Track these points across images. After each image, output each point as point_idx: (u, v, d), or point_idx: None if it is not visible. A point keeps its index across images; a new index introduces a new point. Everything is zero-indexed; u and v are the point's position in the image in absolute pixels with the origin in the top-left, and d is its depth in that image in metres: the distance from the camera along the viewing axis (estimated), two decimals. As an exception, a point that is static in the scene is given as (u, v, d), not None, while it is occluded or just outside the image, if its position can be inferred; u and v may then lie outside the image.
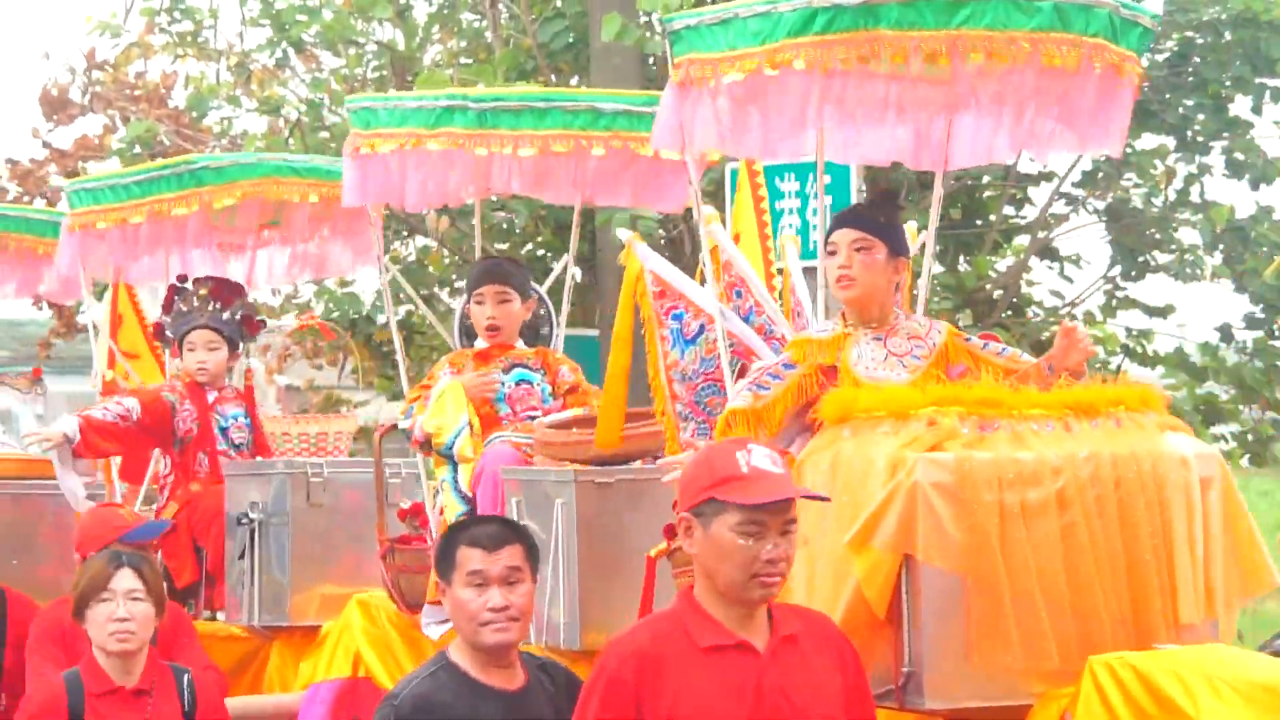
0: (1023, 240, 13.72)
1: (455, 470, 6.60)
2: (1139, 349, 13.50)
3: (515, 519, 5.78)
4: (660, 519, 5.61)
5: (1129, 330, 13.65)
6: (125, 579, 5.61)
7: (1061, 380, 5.05)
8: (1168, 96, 12.66)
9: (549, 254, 13.24)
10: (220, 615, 7.74)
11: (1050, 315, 13.38)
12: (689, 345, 5.87)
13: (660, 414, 5.89)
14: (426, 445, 6.68)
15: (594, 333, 12.07)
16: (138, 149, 14.31)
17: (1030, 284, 13.81)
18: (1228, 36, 12.45)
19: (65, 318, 15.33)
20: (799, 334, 5.72)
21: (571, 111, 6.60)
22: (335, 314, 13.18)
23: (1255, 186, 13.07)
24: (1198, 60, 12.61)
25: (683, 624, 4.05)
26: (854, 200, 10.10)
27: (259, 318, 8.39)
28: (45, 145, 16.29)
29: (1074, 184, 13.33)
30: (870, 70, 5.32)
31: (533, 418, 6.69)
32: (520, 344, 7.01)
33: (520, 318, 6.96)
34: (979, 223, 13.33)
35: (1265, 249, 12.86)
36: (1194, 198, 13.12)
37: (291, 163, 8.08)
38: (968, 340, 5.49)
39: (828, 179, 9.81)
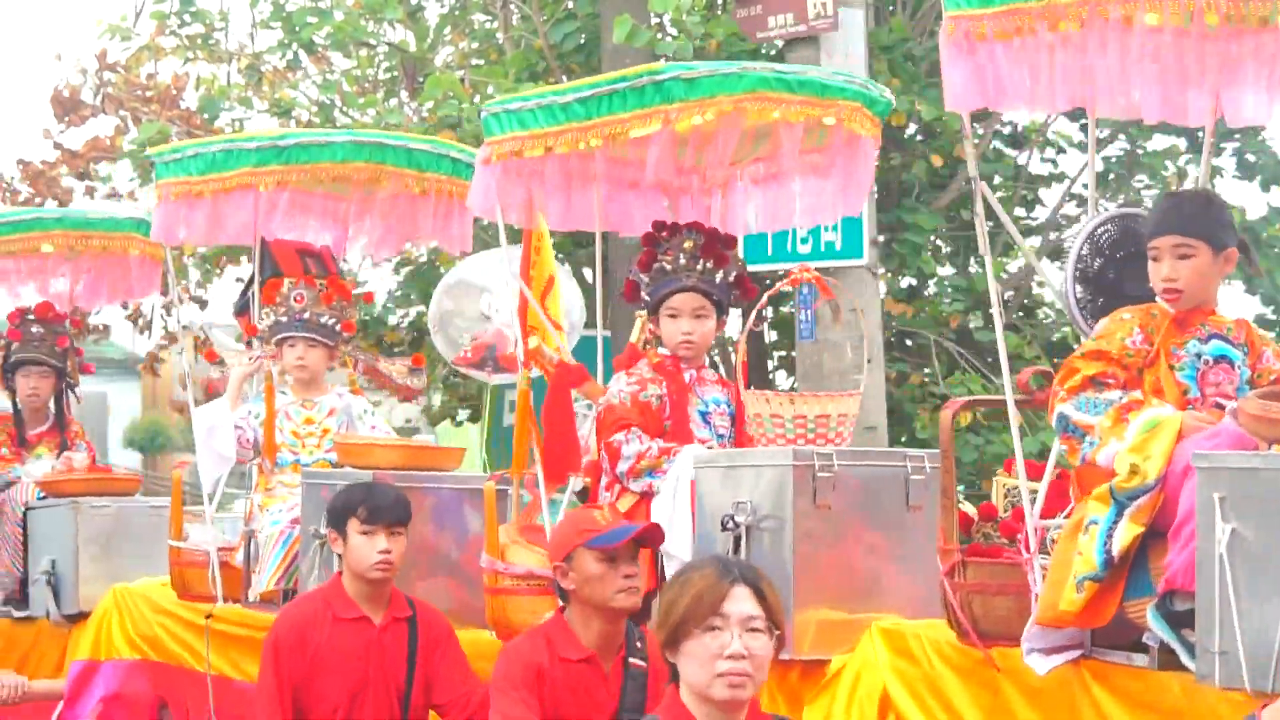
0: (1034, 241, 13.72)
1: (1117, 517, 4.84)
2: (1150, 350, 13.49)
3: (1219, 521, 4.43)
4: None
5: (1140, 332, 13.65)
6: (742, 600, 4.04)
7: None
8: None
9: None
10: None
11: (1061, 317, 13.37)
12: None
13: None
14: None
15: (608, 334, 12.05)
16: (149, 150, 14.35)
17: (1041, 285, 13.82)
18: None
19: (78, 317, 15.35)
20: None
21: None
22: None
23: (1266, 188, 13.08)
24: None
25: None
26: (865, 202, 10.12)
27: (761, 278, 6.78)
28: (57, 146, 16.30)
29: (1085, 185, 13.33)
30: None
31: (1222, 406, 5.04)
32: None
33: (1213, 275, 5.13)
34: (990, 224, 13.32)
35: (1276, 250, 12.87)
36: (1205, 199, 13.11)
37: (782, 74, 6.14)
38: None
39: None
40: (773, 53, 11.65)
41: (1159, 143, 13.11)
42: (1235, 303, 14.77)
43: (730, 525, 5.75)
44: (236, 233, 7.86)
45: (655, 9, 11.33)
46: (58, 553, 8.55)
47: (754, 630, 4.02)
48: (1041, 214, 13.77)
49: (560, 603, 5.46)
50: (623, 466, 6.19)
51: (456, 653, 6.11)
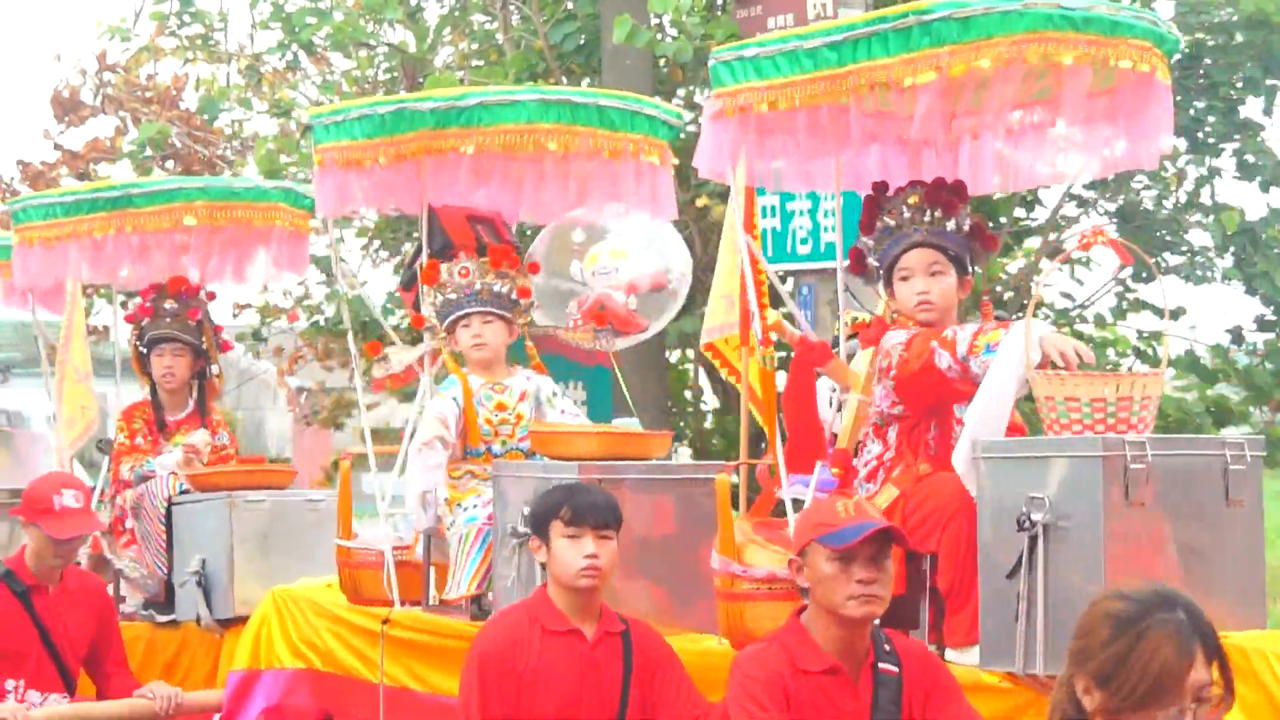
0: (1034, 242, 13.72)
1: None
2: (1150, 351, 13.50)
3: None
4: None
5: (1140, 332, 13.65)
6: (1201, 667, 3.37)
7: None
8: (1178, 99, 12.61)
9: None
10: (956, 655, 5.40)
11: (1061, 317, 13.38)
12: None
13: None
14: None
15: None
16: (149, 151, 14.36)
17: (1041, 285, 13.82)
18: (1239, 38, 12.45)
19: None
20: None
21: None
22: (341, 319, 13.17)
23: (1266, 189, 13.07)
24: (1208, 62, 12.62)
25: None
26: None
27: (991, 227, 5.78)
28: (56, 147, 16.30)
29: (1085, 186, 13.33)
30: None
31: None
32: None
33: None
34: (990, 224, 13.33)
35: (1276, 251, 12.87)
36: (1205, 200, 13.12)
37: (1067, 11, 5.37)
38: None
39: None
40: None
41: (1158, 143, 13.09)
42: (1238, 303, 14.82)
43: (1026, 524, 5.05)
44: (403, 201, 7.37)
45: (655, 9, 11.34)
46: (208, 551, 7.91)
47: (1202, 700, 3.27)
48: (1041, 215, 13.77)
49: (802, 601, 4.88)
50: (961, 350, 5.37)
51: (679, 673, 5.52)
